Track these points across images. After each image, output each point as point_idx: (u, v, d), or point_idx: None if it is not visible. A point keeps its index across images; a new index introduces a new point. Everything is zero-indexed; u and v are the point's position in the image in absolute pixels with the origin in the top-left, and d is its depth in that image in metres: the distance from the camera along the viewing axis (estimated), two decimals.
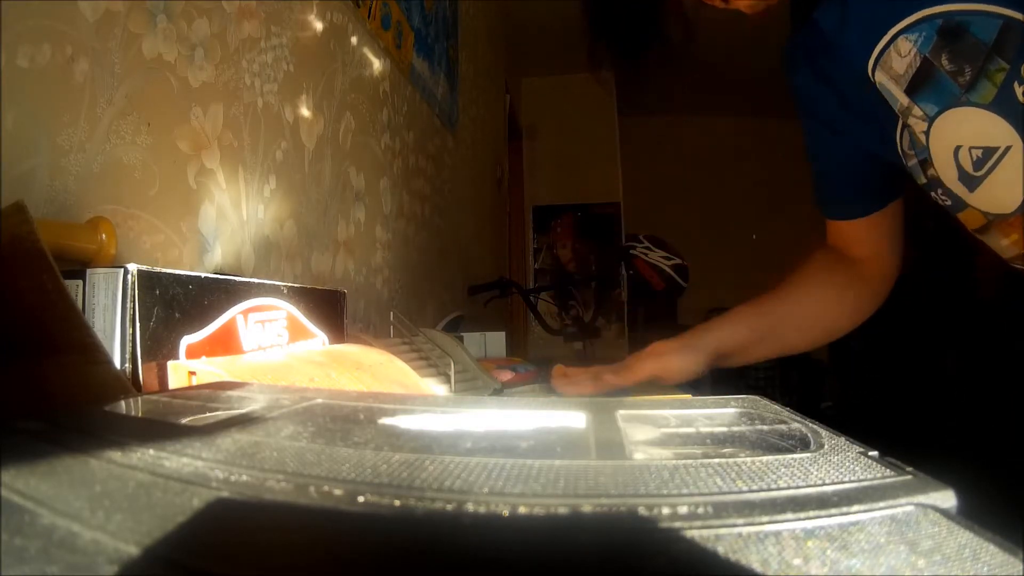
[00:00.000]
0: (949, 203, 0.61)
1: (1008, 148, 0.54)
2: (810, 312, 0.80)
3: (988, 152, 0.55)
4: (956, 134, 0.57)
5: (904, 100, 0.58)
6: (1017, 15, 0.50)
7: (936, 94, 0.56)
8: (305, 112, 0.91)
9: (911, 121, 0.58)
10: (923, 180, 0.61)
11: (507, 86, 3.32)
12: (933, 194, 0.62)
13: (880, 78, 0.59)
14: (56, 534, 0.14)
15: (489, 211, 2.70)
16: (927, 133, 0.58)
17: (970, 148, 0.57)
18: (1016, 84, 0.51)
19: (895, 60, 0.57)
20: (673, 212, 4.33)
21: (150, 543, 0.13)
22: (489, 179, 2.73)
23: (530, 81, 4.04)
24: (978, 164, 0.57)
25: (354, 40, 1.11)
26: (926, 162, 0.60)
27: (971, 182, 0.58)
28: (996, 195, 0.57)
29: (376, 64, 1.22)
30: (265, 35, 0.80)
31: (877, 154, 0.66)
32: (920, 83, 0.57)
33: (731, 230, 4.33)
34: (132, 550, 0.13)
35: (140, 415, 0.27)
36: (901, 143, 0.61)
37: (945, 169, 0.59)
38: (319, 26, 0.97)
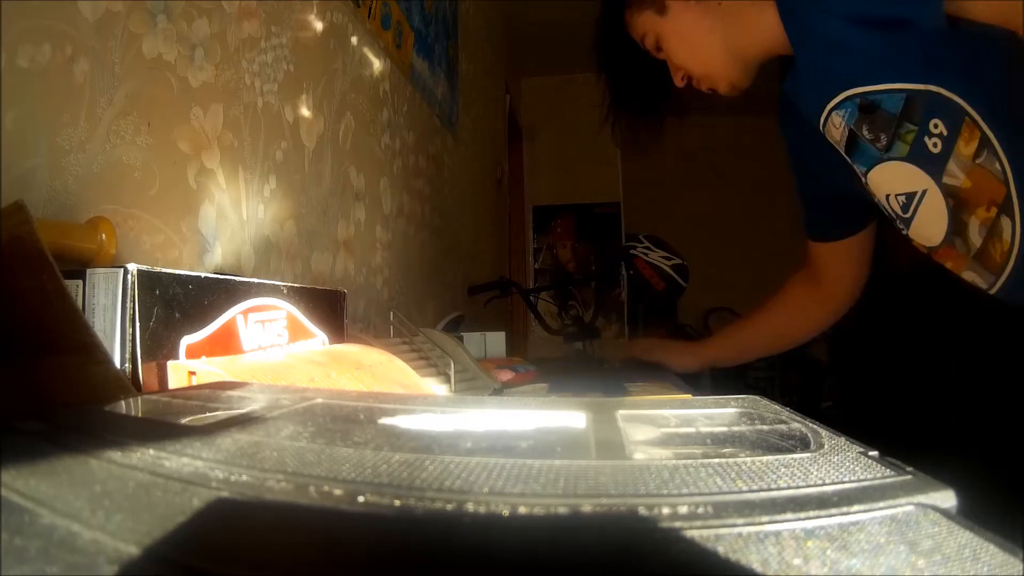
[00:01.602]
0: (905, 232, 0.72)
1: (925, 191, 0.65)
2: (781, 328, 1.08)
3: (910, 196, 0.67)
4: (885, 185, 0.69)
5: (847, 159, 0.71)
6: (918, 86, 0.61)
7: (863, 156, 0.68)
8: (305, 112, 0.91)
9: (857, 172, 0.71)
10: (886, 214, 0.74)
11: (507, 86, 3.32)
12: (894, 224, 0.73)
13: (829, 139, 0.71)
14: (56, 534, 0.14)
15: (489, 211, 2.70)
16: (867, 185, 0.71)
17: (896, 195, 0.69)
18: (927, 138, 0.62)
19: (832, 130, 0.70)
20: (673, 212, 4.33)
21: (150, 543, 0.13)
22: (489, 179, 2.73)
23: (530, 81, 4.04)
24: (904, 207, 0.69)
25: (354, 40, 1.11)
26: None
27: (905, 223, 0.70)
28: (923, 231, 0.68)
29: (376, 64, 1.22)
30: (265, 35, 0.80)
31: (850, 190, 0.77)
32: (851, 148, 0.69)
33: (731, 230, 4.33)
34: (132, 550, 0.13)
35: (140, 415, 0.27)
36: (866, 183, 0.73)
37: (887, 212, 0.72)
38: (319, 26, 0.97)
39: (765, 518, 0.14)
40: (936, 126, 0.61)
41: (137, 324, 0.38)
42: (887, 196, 0.69)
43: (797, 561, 0.13)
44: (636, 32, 0.82)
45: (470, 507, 0.15)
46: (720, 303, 3.79)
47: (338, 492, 0.16)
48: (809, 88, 0.70)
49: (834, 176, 0.78)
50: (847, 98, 0.66)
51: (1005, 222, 0.61)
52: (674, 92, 0.85)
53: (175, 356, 0.41)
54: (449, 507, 0.15)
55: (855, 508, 0.15)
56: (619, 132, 0.95)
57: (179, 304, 0.42)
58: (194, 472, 0.17)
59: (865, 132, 0.66)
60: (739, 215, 4.35)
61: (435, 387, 0.74)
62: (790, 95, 0.74)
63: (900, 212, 0.69)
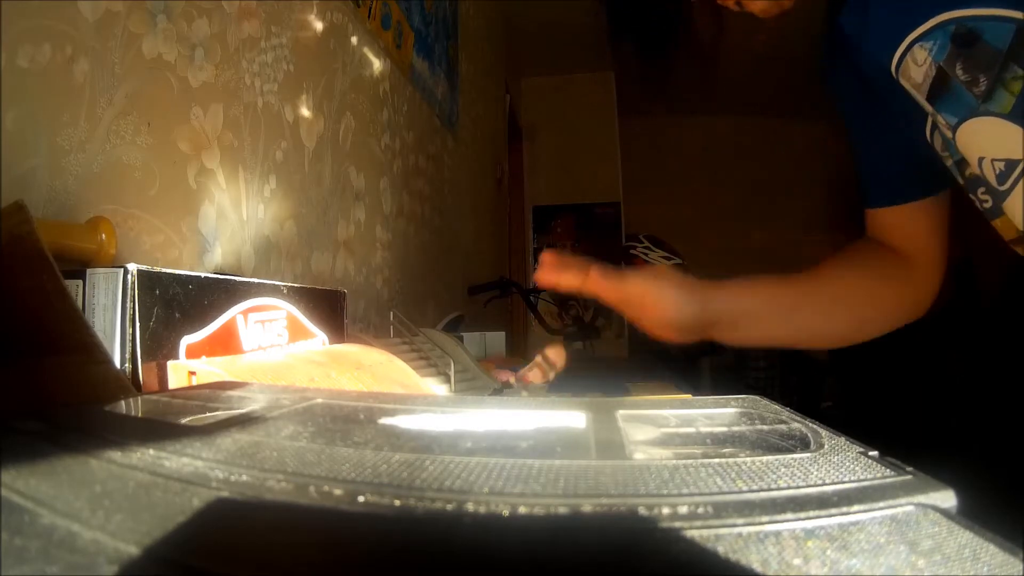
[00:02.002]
0: (989, 205, 0.57)
1: None
2: (841, 296, 0.69)
3: (1011, 165, 0.53)
4: (978, 145, 0.54)
5: (928, 107, 0.56)
6: None
7: (954, 104, 0.54)
8: (305, 112, 0.91)
9: (940, 125, 0.56)
10: (962, 181, 0.59)
11: (507, 86, 3.32)
12: (973, 196, 0.58)
13: (904, 83, 0.56)
14: (56, 534, 0.14)
15: (489, 211, 2.70)
16: (953, 140, 0.56)
17: (992, 160, 0.54)
18: None
19: (912, 69, 0.55)
20: (673, 212, 4.33)
21: (150, 543, 0.13)
22: (489, 179, 2.73)
23: (530, 81, 4.04)
24: (1001, 177, 0.54)
25: (354, 40, 1.11)
26: (962, 162, 0.57)
27: (998, 196, 0.55)
28: (1020, 210, 0.54)
29: (376, 64, 1.22)
30: (265, 35, 0.80)
31: (924, 147, 0.62)
32: (938, 92, 0.54)
33: (731, 230, 4.33)
34: (132, 550, 0.13)
35: (140, 415, 0.27)
36: (934, 143, 0.59)
37: (976, 178, 0.56)
38: (319, 26, 0.97)
39: (765, 518, 0.14)
40: None
41: (137, 324, 0.38)
42: (980, 160, 0.55)
43: (797, 561, 0.13)
44: None
45: (470, 507, 0.15)
46: None
47: (338, 492, 0.16)
48: (883, 14, 0.56)
49: (906, 131, 0.63)
50: (938, 25, 0.52)
51: None
52: (679, 23, 0.71)
53: (175, 356, 0.41)
54: (449, 507, 0.15)
55: (855, 508, 0.15)
56: (618, 66, 0.84)
57: (179, 304, 0.42)
58: (194, 472, 0.17)
59: (959, 72, 0.52)
60: (739, 215, 4.35)
61: (435, 387, 0.74)
62: (849, 29, 0.60)
63: (995, 183, 0.55)
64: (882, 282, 0.70)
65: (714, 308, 0.65)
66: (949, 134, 0.56)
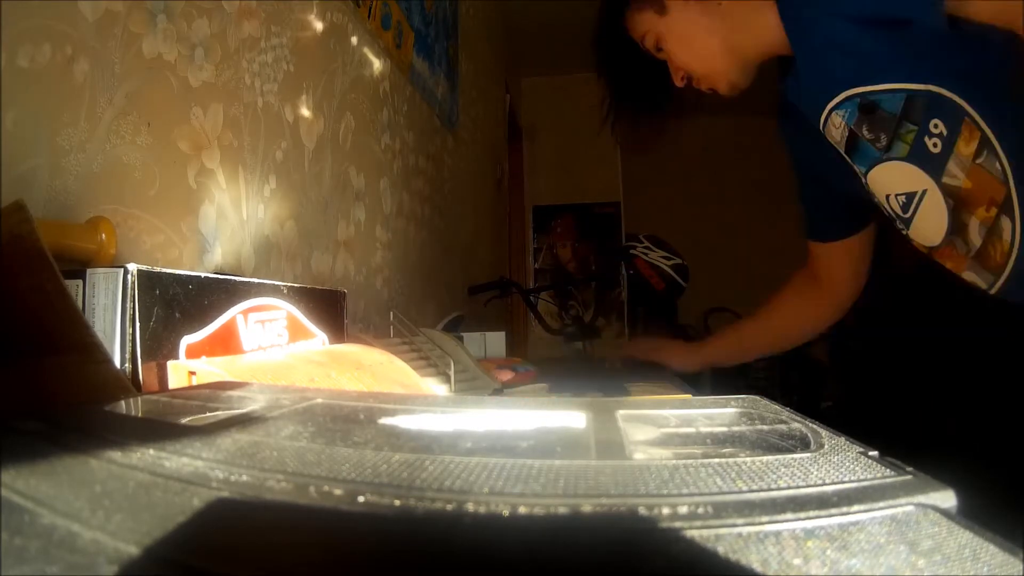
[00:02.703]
0: (905, 231, 0.72)
1: (925, 191, 0.65)
2: (781, 328, 1.08)
3: (910, 196, 0.67)
4: (885, 185, 0.69)
5: (847, 159, 0.70)
6: (918, 86, 0.60)
7: (863, 156, 0.68)
8: (305, 112, 0.91)
9: (857, 172, 0.70)
10: (886, 214, 0.73)
11: (507, 86, 3.31)
12: (896, 226, 0.73)
13: (829, 139, 0.71)
14: (56, 534, 0.14)
15: (489, 211, 2.70)
16: (866, 184, 0.70)
17: (895, 195, 0.68)
18: (927, 138, 0.62)
19: (832, 130, 0.69)
20: (673, 212, 4.33)
21: (150, 543, 0.13)
22: (489, 179, 2.73)
23: (530, 81, 4.04)
24: (904, 207, 0.68)
25: (354, 40, 1.11)
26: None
27: (905, 222, 0.69)
28: (924, 231, 0.68)
29: (376, 64, 1.22)
30: (265, 35, 0.80)
31: (850, 191, 0.76)
32: (851, 148, 0.69)
33: (731, 230, 4.33)
34: (132, 550, 0.13)
35: (140, 415, 0.27)
36: (865, 186, 0.72)
37: (887, 212, 0.71)
38: (319, 26, 0.96)
39: (765, 518, 0.14)
40: (936, 126, 0.61)
41: (137, 324, 0.38)
42: (887, 196, 0.70)
43: (797, 561, 0.13)
44: (636, 32, 0.82)
45: (470, 507, 0.15)
46: (720, 303, 3.78)
47: (338, 492, 0.16)
48: (809, 88, 0.70)
49: (834, 177, 0.78)
50: (847, 98, 0.66)
51: (1005, 222, 0.61)
52: (675, 91, 0.85)
53: (175, 356, 0.41)
54: (449, 507, 0.15)
55: (855, 508, 0.15)
56: (620, 130, 0.96)
57: (179, 304, 0.42)
58: (194, 472, 0.17)
59: (865, 132, 0.66)
60: (739, 215, 4.35)
61: (435, 387, 0.74)
62: (790, 96, 0.74)
63: (900, 212, 0.69)
64: (808, 313, 1.03)
65: (707, 359, 1.14)
66: (863, 180, 0.71)
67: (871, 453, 0.20)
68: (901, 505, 0.16)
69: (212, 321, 0.45)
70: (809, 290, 1.00)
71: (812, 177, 0.86)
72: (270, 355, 0.49)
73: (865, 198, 0.75)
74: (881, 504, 0.15)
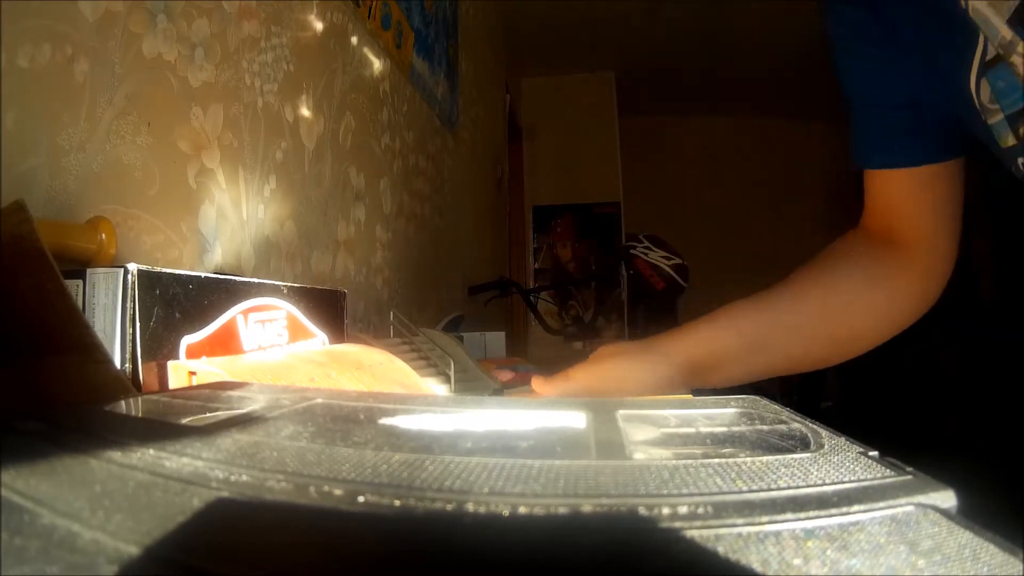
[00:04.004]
0: None
1: None
2: (826, 313, 0.58)
3: None
4: None
5: (1006, 33, 0.43)
6: None
7: None
8: (305, 112, 0.91)
9: (1014, 60, 0.43)
10: (1010, 141, 0.46)
11: (507, 86, 3.31)
12: (1018, 162, 0.47)
13: (976, 4, 0.44)
14: (56, 534, 0.14)
15: (489, 211, 2.70)
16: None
17: None
18: None
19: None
20: (673, 212, 4.33)
21: (150, 543, 0.13)
22: (489, 179, 2.73)
23: (530, 81, 4.05)
24: None
25: (354, 40, 1.11)
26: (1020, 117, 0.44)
27: None
28: None
29: (376, 64, 1.22)
30: (265, 35, 0.80)
31: (932, 101, 0.52)
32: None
33: (731, 230, 4.33)
34: (132, 550, 0.13)
35: (140, 415, 0.27)
36: (978, 95, 0.47)
37: None
38: (319, 26, 0.96)
39: (765, 518, 0.14)
40: None
41: (137, 324, 0.38)
42: None
43: (797, 561, 0.13)
44: None
45: (470, 507, 0.15)
46: (720, 303, 3.79)
47: (338, 492, 0.16)
48: None
49: (916, 77, 0.52)
50: None
51: None
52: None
53: (175, 356, 0.41)
54: (449, 507, 0.15)
55: (855, 508, 0.15)
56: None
57: (179, 304, 0.42)
58: (194, 472, 0.17)
59: None
60: (739, 215, 4.35)
61: (435, 387, 0.74)
62: None
63: None
64: (870, 286, 0.58)
65: (683, 362, 0.57)
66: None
67: (871, 453, 0.20)
68: (901, 505, 0.16)
69: (212, 321, 0.45)
70: (874, 256, 0.58)
71: (875, 75, 0.56)
72: (270, 355, 0.49)
73: (960, 115, 0.50)
74: (881, 504, 0.15)
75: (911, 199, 0.58)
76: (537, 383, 0.57)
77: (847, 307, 0.58)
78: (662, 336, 0.59)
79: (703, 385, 0.59)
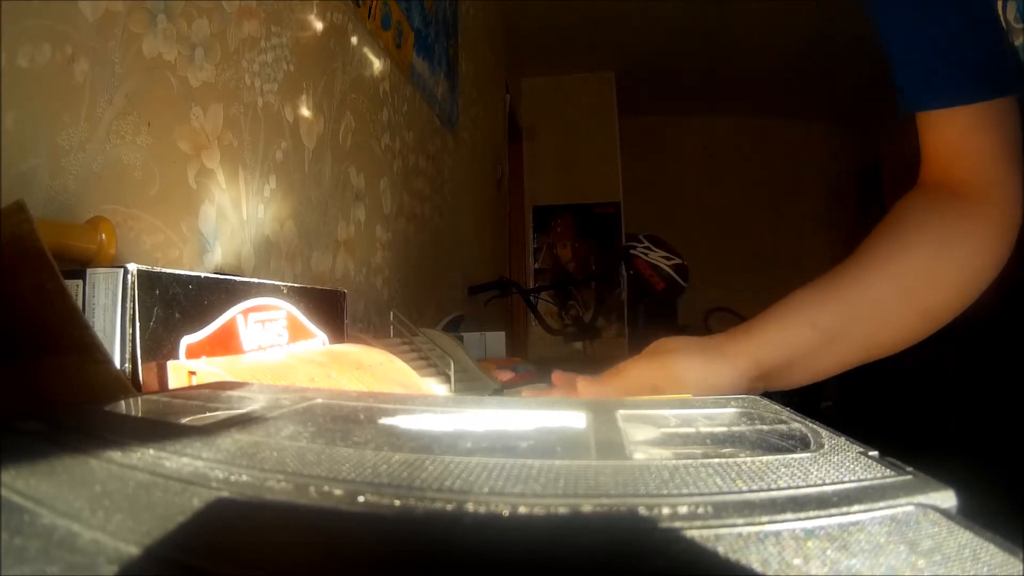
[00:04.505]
0: None
1: None
2: (906, 286, 0.53)
3: None
4: None
5: None
6: None
7: None
8: (305, 112, 0.91)
9: None
10: None
11: (507, 86, 3.31)
12: None
13: None
14: (56, 534, 0.14)
15: (489, 211, 2.70)
16: None
17: None
18: None
19: None
20: (673, 212, 4.33)
21: (150, 543, 0.13)
22: (489, 179, 2.73)
23: (530, 81, 4.05)
24: None
25: (354, 40, 1.11)
26: None
27: None
28: None
29: (376, 64, 1.22)
30: (265, 35, 0.80)
31: (971, 37, 0.50)
32: None
33: (731, 230, 4.33)
34: (132, 550, 0.13)
35: (140, 415, 0.27)
36: (1004, 14, 0.46)
37: None
38: (319, 26, 0.96)
39: (765, 518, 0.14)
40: None
41: (137, 324, 0.38)
42: None
43: (797, 561, 0.13)
44: None
45: (470, 507, 0.15)
46: (721, 303, 3.79)
47: (338, 492, 0.16)
48: None
49: (962, 15, 0.49)
50: None
51: None
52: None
53: (175, 356, 0.41)
54: (449, 507, 0.15)
55: (855, 508, 0.15)
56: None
57: (179, 304, 0.42)
58: (194, 472, 0.17)
59: None
60: (739, 215, 4.35)
61: (435, 387, 0.74)
62: None
63: None
64: (947, 246, 0.53)
65: (754, 364, 0.52)
66: None
67: (871, 453, 0.20)
68: (901, 505, 0.16)
69: (212, 321, 0.45)
70: (943, 212, 0.54)
71: (919, 13, 0.52)
72: (270, 355, 0.49)
73: (1000, 53, 0.47)
74: (881, 504, 0.16)
75: (972, 141, 0.54)
76: (584, 385, 0.53)
77: (929, 276, 0.53)
78: (729, 335, 0.54)
79: (774, 388, 0.55)
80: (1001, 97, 0.52)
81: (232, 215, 0.73)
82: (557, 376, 0.58)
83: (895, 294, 0.53)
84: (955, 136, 0.54)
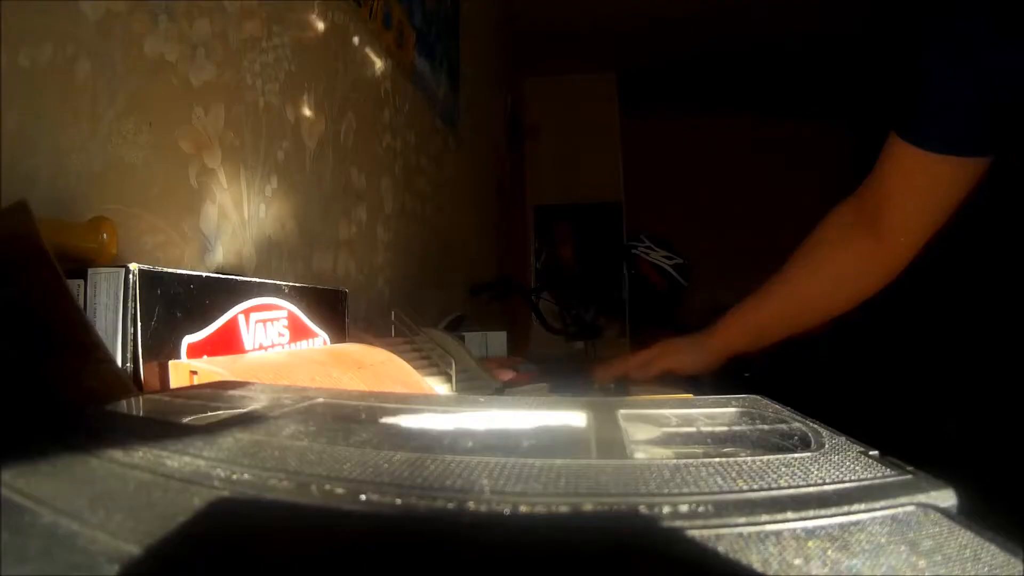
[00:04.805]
0: None
1: None
2: (820, 295, 0.77)
3: None
4: None
5: None
6: None
7: None
8: (306, 112, 0.91)
9: None
10: None
11: (509, 86, 3.31)
12: None
13: None
14: (57, 533, 0.14)
15: (491, 211, 2.70)
16: None
17: None
18: None
19: None
20: (674, 212, 4.33)
21: (151, 542, 0.13)
22: (491, 179, 2.73)
23: (532, 81, 4.04)
24: None
25: (355, 40, 1.11)
26: None
27: None
28: None
29: (377, 64, 1.22)
30: (267, 35, 0.80)
31: (1001, 90, 0.56)
32: None
33: (731, 230, 4.33)
34: (133, 549, 0.13)
35: (141, 414, 0.27)
36: None
37: None
38: (320, 26, 0.97)
39: (766, 517, 0.14)
40: None
41: (139, 323, 0.38)
42: None
43: (798, 561, 0.13)
44: None
45: (471, 506, 0.15)
46: (721, 303, 3.78)
47: (340, 491, 0.16)
48: None
49: (1001, 75, 0.56)
50: None
51: None
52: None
53: (176, 355, 0.41)
54: (451, 506, 0.15)
55: (856, 508, 0.15)
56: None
57: (181, 303, 0.42)
58: (195, 471, 0.17)
59: None
60: (739, 215, 4.35)
61: (436, 386, 0.74)
62: None
63: None
64: (848, 282, 0.76)
65: (720, 351, 0.86)
66: None
67: (871, 453, 0.20)
68: (902, 505, 0.16)
69: (213, 321, 0.45)
70: (860, 237, 0.71)
71: (964, 64, 0.59)
72: (271, 354, 0.49)
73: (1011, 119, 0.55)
74: (882, 504, 0.15)
75: (926, 190, 0.65)
76: (600, 373, 0.91)
77: (830, 298, 0.78)
78: (708, 330, 0.87)
79: (745, 353, 0.87)
80: (979, 156, 0.62)
81: (233, 215, 0.73)
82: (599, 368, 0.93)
83: (806, 305, 0.80)
84: (918, 178, 0.65)
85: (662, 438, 0.24)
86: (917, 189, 0.66)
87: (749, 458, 0.19)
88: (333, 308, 0.63)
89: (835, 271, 0.76)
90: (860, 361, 2.55)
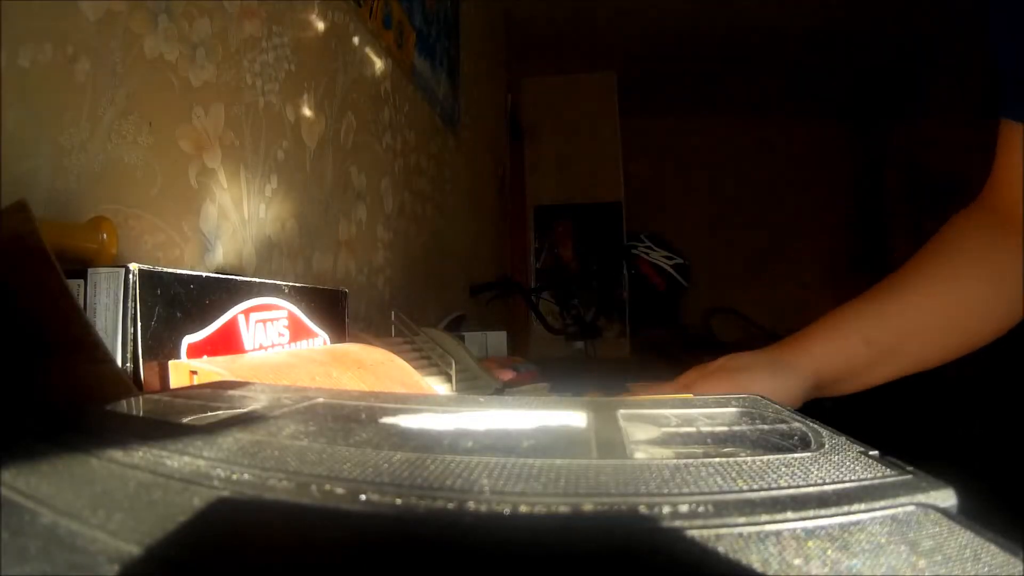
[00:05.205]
0: None
1: None
2: (955, 310, 0.55)
3: None
4: None
5: None
6: None
7: None
8: (306, 112, 0.91)
9: None
10: None
11: (509, 85, 3.31)
12: None
13: None
14: (57, 533, 0.14)
15: (491, 210, 2.70)
16: None
17: None
18: None
19: None
20: (674, 212, 4.33)
21: (151, 543, 0.13)
22: (491, 179, 2.73)
23: (532, 81, 4.04)
24: None
25: (355, 40, 1.11)
26: None
27: None
28: None
29: (377, 64, 1.22)
30: (266, 35, 0.80)
31: None
32: None
33: (731, 230, 4.33)
34: (133, 549, 0.13)
35: (141, 414, 0.27)
36: None
37: None
38: (320, 26, 0.97)
39: (766, 517, 0.14)
40: None
41: (139, 323, 0.38)
42: None
43: (798, 561, 0.13)
44: None
45: (471, 506, 0.15)
46: (722, 303, 3.78)
47: (340, 491, 0.16)
48: None
49: None
50: None
51: None
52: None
53: (176, 355, 0.41)
54: (450, 506, 0.15)
55: (856, 508, 0.15)
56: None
57: (180, 303, 0.42)
58: (195, 471, 0.17)
59: None
60: (740, 215, 4.35)
61: (436, 386, 0.74)
62: None
63: None
64: (1001, 287, 0.54)
65: (811, 376, 0.55)
66: None
67: (871, 453, 0.20)
68: (902, 505, 0.15)
69: (213, 320, 0.45)
70: (999, 240, 0.54)
71: None
72: (271, 354, 0.49)
73: None
74: (882, 504, 0.15)
75: None
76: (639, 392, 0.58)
77: (982, 311, 0.55)
78: (786, 347, 0.57)
79: (826, 395, 0.58)
80: None
81: (233, 215, 0.73)
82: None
83: (946, 320, 0.55)
84: None
85: (662, 438, 0.24)
86: None
87: (749, 458, 0.19)
88: (333, 308, 0.63)
89: (986, 277, 0.55)
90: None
